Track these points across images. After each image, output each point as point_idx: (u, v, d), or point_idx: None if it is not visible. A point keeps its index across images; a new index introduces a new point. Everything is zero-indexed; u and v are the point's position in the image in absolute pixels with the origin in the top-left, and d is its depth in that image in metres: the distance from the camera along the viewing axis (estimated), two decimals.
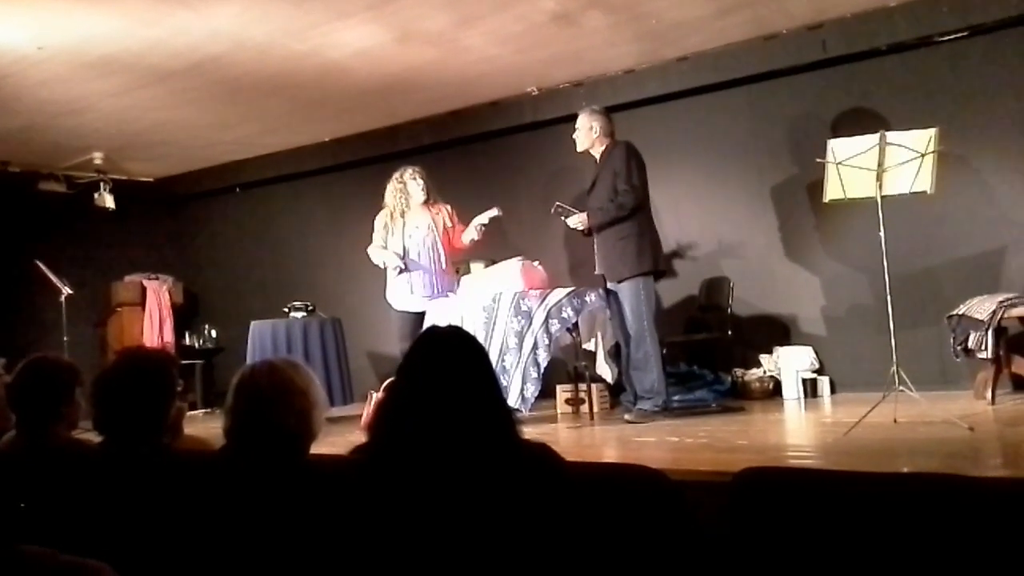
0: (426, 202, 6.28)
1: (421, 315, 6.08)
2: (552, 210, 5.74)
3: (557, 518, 1.94)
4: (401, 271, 6.17)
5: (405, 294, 6.21)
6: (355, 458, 2.10)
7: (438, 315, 5.93)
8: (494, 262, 6.30)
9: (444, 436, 1.94)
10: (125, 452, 2.50)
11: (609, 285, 5.61)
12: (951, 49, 5.98)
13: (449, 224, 6.32)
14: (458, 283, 6.26)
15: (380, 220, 6.34)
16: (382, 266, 6.28)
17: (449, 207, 6.39)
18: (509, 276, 5.84)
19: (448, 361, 2.05)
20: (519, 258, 5.99)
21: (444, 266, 6.25)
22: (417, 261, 6.18)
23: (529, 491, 1.92)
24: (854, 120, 6.08)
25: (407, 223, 6.24)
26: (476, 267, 6.47)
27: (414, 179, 6.24)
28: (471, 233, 6.19)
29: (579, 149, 5.72)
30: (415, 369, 2.08)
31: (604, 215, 5.48)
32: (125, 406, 2.52)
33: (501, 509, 1.88)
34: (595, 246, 5.65)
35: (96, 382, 2.58)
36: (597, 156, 5.67)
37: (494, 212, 6.09)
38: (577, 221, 5.62)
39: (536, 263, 6.15)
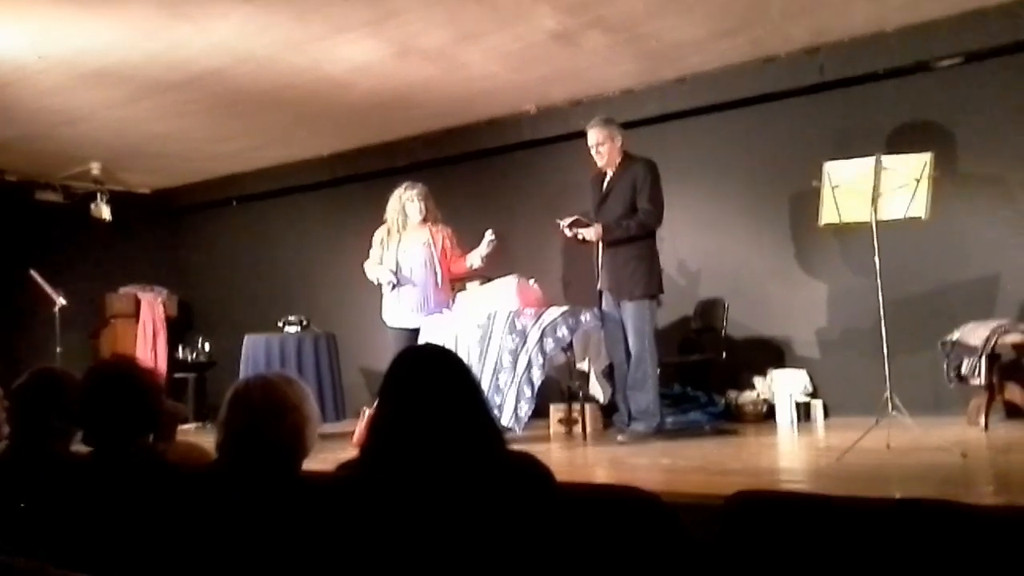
0: (424, 222, 6.26)
1: (416, 332, 6.07)
2: (566, 223, 5.58)
3: (546, 530, 1.93)
4: (393, 287, 6.16)
5: (397, 310, 6.19)
6: (342, 474, 2.10)
7: (432, 332, 5.92)
8: (490, 280, 6.29)
9: (426, 453, 1.93)
10: (115, 460, 2.49)
11: (605, 304, 5.58)
12: (947, 74, 6.02)
13: (448, 244, 6.28)
14: (454, 300, 6.25)
15: (377, 236, 6.33)
16: (375, 282, 6.26)
17: (449, 231, 6.34)
18: (504, 294, 5.84)
19: (425, 379, 2.05)
20: (514, 276, 5.98)
21: (439, 283, 6.21)
22: (409, 277, 6.16)
23: (516, 503, 1.92)
24: (850, 143, 6.08)
25: (403, 239, 6.22)
26: (471, 285, 6.44)
27: (412, 201, 6.19)
28: (474, 260, 6.17)
29: (602, 164, 5.60)
30: (392, 389, 2.07)
31: (623, 231, 5.43)
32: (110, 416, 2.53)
33: (489, 522, 1.87)
34: (600, 260, 5.59)
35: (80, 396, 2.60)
36: (611, 169, 5.59)
37: (490, 236, 6.07)
38: (590, 233, 5.52)
39: (532, 281, 6.15)
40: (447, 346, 5.63)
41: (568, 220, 5.59)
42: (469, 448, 1.97)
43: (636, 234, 5.42)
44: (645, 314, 5.40)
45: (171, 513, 2.23)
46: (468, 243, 6.36)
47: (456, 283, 6.50)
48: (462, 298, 6.17)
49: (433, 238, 6.22)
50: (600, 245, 5.57)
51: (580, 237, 5.60)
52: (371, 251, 6.31)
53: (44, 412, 2.80)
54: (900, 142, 5.80)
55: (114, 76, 6.25)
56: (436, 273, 6.18)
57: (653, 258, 5.47)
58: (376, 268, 6.22)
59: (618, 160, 5.58)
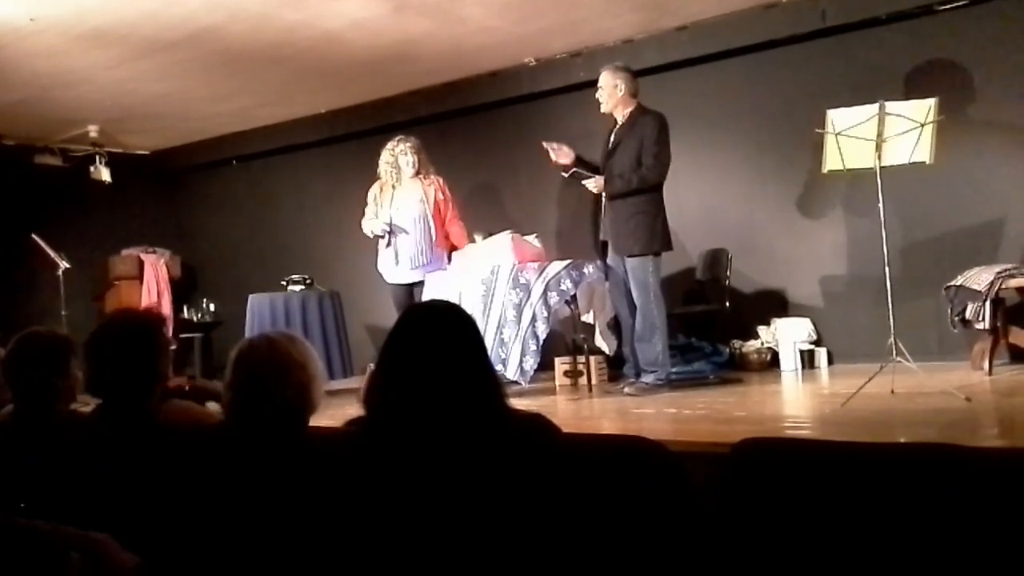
0: (417, 175, 6.24)
1: (410, 287, 6.11)
2: (567, 173, 5.56)
3: (551, 486, 1.95)
4: (388, 243, 6.16)
5: (391, 266, 6.22)
6: (350, 430, 2.11)
7: (436, 288, 5.92)
8: (491, 234, 6.29)
9: (429, 408, 1.94)
10: (120, 419, 2.50)
11: (608, 258, 5.56)
12: (951, 18, 5.93)
13: (441, 197, 6.26)
14: (449, 256, 6.25)
15: (371, 193, 6.33)
16: (370, 235, 6.27)
17: (441, 180, 6.33)
18: (500, 250, 5.82)
19: (430, 334, 2.04)
20: (508, 232, 5.95)
21: (433, 238, 6.19)
22: (403, 232, 6.15)
23: (521, 460, 1.93)
24: (854, 90, 6.04)
25: (396, 195, 6.21)
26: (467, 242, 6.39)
27: (405, 155, 6.19)
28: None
29: (604, 110, 5.55)
30: (399, 343, 2.07)
31: (625, 184, 5.35)
32: (117, 367, 2.53)
33: (492, 479, 1.88)
34: (603, 212, 5.54)
35: (88, 343, 2.60)
36: (620, 118, 5.53)
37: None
38: (592, 184, 5.46)
39: (534, 236, 6.14)
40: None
41: (555, 144, 5.53)
42: (471, 403, 1.97)
43: (636, 187, 5.34)
44: (648, 267, 5.33)
45: (182, 473, 2.25)
46: (468, 198, 6.34)
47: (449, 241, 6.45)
48: (459, 255, 6.14)
49: (425, 192, 6.21)
50: (603, 198, 5.52)
51: (587, 186, 5.51)
52: (366, 208, 6.32)
53: (37, 374, 2.81)
54: (904, 88, 5.74)
55: (109, 36, 6.18)
56: (430, 228, 6.17)
57: (656, 215, 5.37)
58: (370, 221, 6.23)
59: (628, 110, 5.49)
